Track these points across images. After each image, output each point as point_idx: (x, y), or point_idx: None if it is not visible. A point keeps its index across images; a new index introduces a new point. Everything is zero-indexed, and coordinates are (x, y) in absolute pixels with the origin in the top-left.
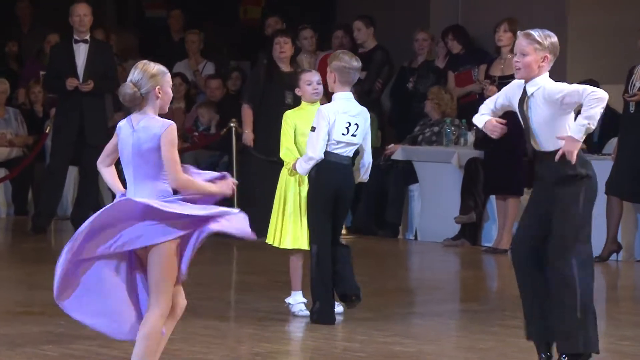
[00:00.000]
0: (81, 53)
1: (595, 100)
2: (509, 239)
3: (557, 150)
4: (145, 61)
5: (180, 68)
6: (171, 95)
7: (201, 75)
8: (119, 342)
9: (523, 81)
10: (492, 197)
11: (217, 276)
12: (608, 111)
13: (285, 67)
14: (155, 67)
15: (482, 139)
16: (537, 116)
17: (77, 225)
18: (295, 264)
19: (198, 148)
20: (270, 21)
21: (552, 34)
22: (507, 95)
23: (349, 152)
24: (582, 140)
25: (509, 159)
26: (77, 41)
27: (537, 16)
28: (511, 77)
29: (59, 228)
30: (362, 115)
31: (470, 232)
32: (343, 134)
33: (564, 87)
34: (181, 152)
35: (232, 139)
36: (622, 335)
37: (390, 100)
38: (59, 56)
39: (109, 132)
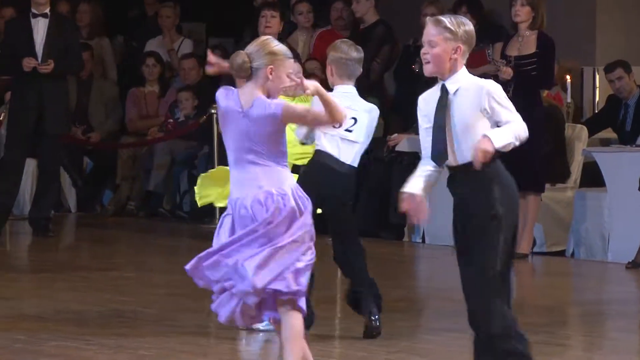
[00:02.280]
0: (40, 29)
1: (523, 132)
2: (530, 242)
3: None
4: (269, 37)
5: (153, 46)
6: (286, 83)
7: (177, 54)
8: (82, 359)
9: (435, 89)
10: None
11: (194, 285)
12: None
13: None
14: (277, 47)
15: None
16: (461, 119)
17: (35, 227)
18: None
19: (173, 138)
20: None
21: (467, 21)
22: (422, 114)
23: (344, 152)
24: (493, 149)
25: (528, 151)
26: (35, 15)
27: None
28: (529, 57)
29: (15, 230)
30: (364, 111)
31: None
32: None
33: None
34: (154, 142)
35: (213, 127)
36: None
37: (394, 83)
38: (15, 33)
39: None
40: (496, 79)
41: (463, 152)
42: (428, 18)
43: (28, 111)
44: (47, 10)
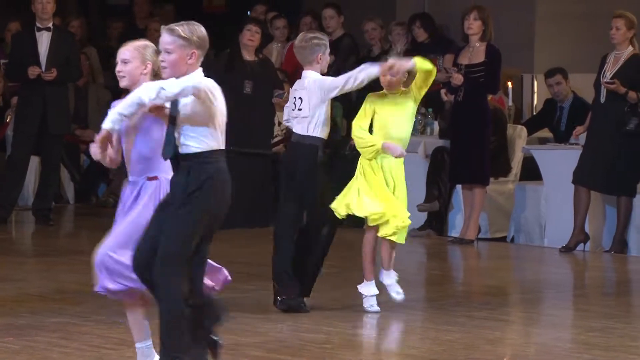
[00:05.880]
0: (44, 41)
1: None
2: (476, 229)
3: (202, 153)
4: None
5: None
6: None
7: None
8: (80, 334)
9: None
10: (458, 187)
11: None
12: (576, 101)
13: (248, 56)
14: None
15: (448, 128)
16: (184, 114)
17: (38, 216)
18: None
19: None
20: (258, 8)
21: (200, 27)
22: None
23: (301, 128)
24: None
25: (475, 148)
26: (39, 29)
27: (505, 3)
28: (478, 66)
29: (20, 219)
30: (307, 88)
31: (436, 222)
32: (292, 109)
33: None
34: None
35: None
36: (590, 327)
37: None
38: (21, 44)
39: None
40: (447, 85)
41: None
42: (163, 27)
43: (33, 114)
44: (50, 25)
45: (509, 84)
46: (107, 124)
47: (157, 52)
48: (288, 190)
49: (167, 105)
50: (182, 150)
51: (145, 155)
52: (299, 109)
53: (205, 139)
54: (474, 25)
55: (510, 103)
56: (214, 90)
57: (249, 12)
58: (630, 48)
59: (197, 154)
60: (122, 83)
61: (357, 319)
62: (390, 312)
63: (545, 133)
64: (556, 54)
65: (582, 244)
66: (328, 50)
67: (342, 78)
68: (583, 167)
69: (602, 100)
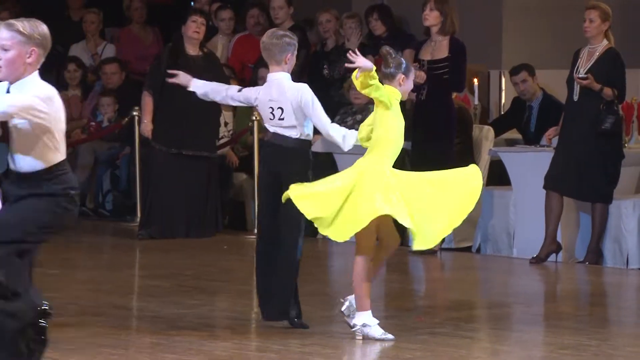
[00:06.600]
0: None
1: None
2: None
3: (33, 174)
4: None
5: (78, 50)
6: None
7: (100, 58)
8: None
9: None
10: None
11: (118, 281)
12: (546, 99)
13: (192, 50)
14: None
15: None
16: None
17: None
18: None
19: (95, 139)
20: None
21: (41, 24)
22: None
23: (288, 133)
24: None
25: (438, 150)
26: None
27: None
28: (441, 62)
29: None
30: (283, 97)
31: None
32: (270, 119)
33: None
34: (77, 144)
35: (135, 129)
36: (562, 344)
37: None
38: None
39: None
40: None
41: (20, 160)
42: (0, 22)
43: None
44: None
45: (475, 80)
46: None
47: None
48: (272, 200)
49: None
50: (20, 169)
51: None
52: (280, 119)
53: (44, 154)
54: (430, 17)
55: (476, 101)
56: (45, 101)
57: (192, 3)
58: (605, 41)
59: (37, 172)
60: None
61: (309, 336)
62: (345, 329)
63: (513, 134)
64: (525, 49)
65: (554, 254)
66: (296, 52)
67: (330, 128)
68: (555, 171)
69: (576, 98)
